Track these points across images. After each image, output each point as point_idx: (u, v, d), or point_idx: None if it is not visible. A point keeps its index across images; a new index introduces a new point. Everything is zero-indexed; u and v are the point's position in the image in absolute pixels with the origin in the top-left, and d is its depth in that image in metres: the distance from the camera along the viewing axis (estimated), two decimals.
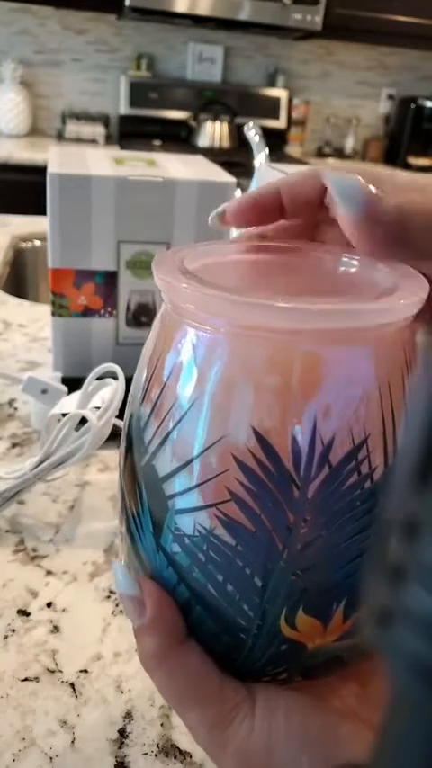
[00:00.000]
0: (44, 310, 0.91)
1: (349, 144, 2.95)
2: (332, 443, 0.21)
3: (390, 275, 0.24)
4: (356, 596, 0.23)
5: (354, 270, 0.26)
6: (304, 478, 0.21)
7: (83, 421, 0.47)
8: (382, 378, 0.22)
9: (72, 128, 2.51)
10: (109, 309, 0.62)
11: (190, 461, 0.22)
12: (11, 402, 0.66)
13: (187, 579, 0.23)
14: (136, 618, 0.23)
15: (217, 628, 0.24)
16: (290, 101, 2.78)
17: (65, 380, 0.60)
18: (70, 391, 0.56)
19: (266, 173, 0.78)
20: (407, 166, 2.78)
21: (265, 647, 0.24)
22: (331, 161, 2.83)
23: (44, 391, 0.57)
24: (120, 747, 0.35)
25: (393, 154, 2.93)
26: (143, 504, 0.24)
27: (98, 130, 2.51)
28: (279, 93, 2.74)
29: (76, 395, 0.51)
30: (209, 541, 0.22)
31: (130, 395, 0.26)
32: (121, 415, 0.48)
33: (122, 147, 2.49)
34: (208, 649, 0.24)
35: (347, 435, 0.21)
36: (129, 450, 0.25)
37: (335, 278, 0.27)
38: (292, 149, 2.83)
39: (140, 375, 0.25)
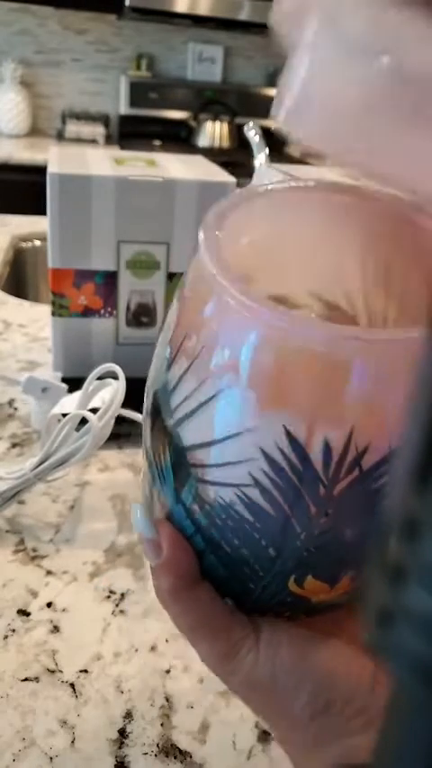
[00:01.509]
0: (44, 310, 0.91)
1: None
2: (366, 450, 0.21)
3: None
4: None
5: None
6: (332, 479, 0.21)
7: (83, 421, 0.47)
8: None
9: (72, 128, 2.50)
10: (109, 309, 0.62)
11: (215, 442, 0.22)
12: (11, 402, 0.66)
13: (203, 533, 0.24)
14: (153, 558, 0.25)
15: (228, 576, 0.25)
16: None
17: (65, 380, 0.60)
18: (70, 391, 0.56)
19: (267, 173, 0.78)
20: None
21: (271, 596, 0.25)
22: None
23: (44, 390, 0.57)
24: (120, 747, 0.35)
25: None
26: (166, 461, 0.24)
27: (98, 130, 2.51)
28: None
29: (76, 395, 0.51)
30: (228, 512, 0.23)
31: (153, 363, 0.25)
32: (121, 416, 0.48)
33: (122, 147, 2.49)
34: (218, 589, 0.25)
35: (384, 443, 0.21)
36: (156, 403, 0.25)
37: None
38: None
39: (165, 340, 0.24)
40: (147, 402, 0.26)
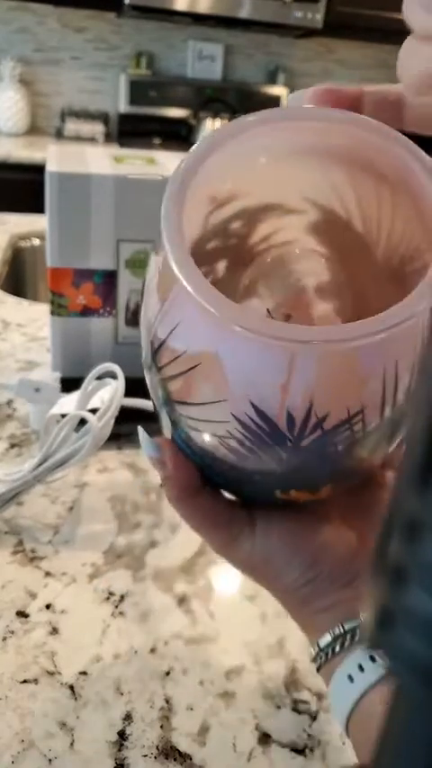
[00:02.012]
0: (43, 310, 0.91)
1: None
2: (326, 417, 0.23)
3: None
4: (347, 478, 0.28)
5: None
6: (298, 437, 0.24)
7: (82, 421, 0.47)
8: (389, 362, 0.22)
9: (71, 126, 2.50)
10: (108, 309, 0.62)
11: (195, 404, 0.25)
12: (9, 402, 0.66)
13: (197, 458, 0.28)
14: (160, 472, 0.29)
15: (223, 484, 0.30)
16: None
17: (63, 380, 0.60)
18: (69, 391, 0.55)
19: None
20: None
21: (262, 499, 0.29)
22: None
23: (37, 390, 0.56)
24: (119, 749, 0.35)
25: None
26: (161, 402, 0.27)
27: (97, 129, 2.50)
28: (280, 90, 2.74)
29: (75, 395, 0.51)
30: (213, 453, 0.26)
31: (143, 309, 0.27)
32: (121, 416, 0.48)
33: (122, 146, 2.48)
34: (218, 487, 0.30)
35: (343, 410, 0.23)
36: (151, 358, 0.27)
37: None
38: None
39: (151, 288, 0.26)
40: (145, 346, 0.28)
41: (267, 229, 0.30)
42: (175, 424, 0.27)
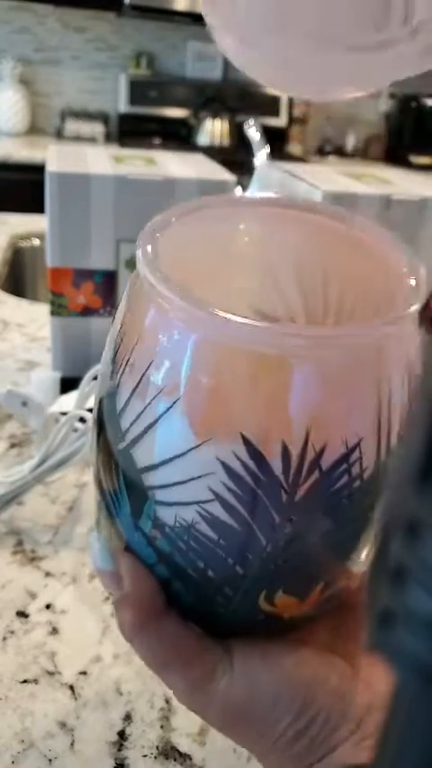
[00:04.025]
0: (43, 310, 0.91)
1: (350, 142, 2.94)
2: (324, 449, 0.21)
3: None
4: (337, 575, 0.24)
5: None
6: (293, 483, 0.21)
7: (81, 420, 0.47)
8: (382, 381, 0.21)
9: (71, 126, 2.50)
10: (108, 309, 0.62)
11: (172, 459, 0.21)
12: None
13: (166, 560, 0.23)
14: (114, 590, 0.24)
15: (195, 602, 0.24)
16: (290, 99, 2.78)
17: (63, 380, 0.60)
18: (69, 391, 0.55)
19: (267, 171, 0.78)
20: (408, 165, 2.78)
21: (242, 619, 0.24)
22: (332, 159, 2.82)
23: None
24: (119, 750, 0.35)
25: (395, 152, 2.92)
26: (120, 486, 0.23)
27: (97, 129, 2.51)
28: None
29: (74, 394, 0.51)
30: (190, 533, 0.22)
31: (99, 374, 0.25)
32: None
33: (122, 146, 2.48)
34: (186, 615, 0.24)
35: (340, 441, 0.21)
36: (101, 430, 0.24)
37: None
38: (293, 148, 2.83)
39: (109, 352, 0.24)
40: (96, 403, 0.25)
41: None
42: (136, 513, 0.23)
